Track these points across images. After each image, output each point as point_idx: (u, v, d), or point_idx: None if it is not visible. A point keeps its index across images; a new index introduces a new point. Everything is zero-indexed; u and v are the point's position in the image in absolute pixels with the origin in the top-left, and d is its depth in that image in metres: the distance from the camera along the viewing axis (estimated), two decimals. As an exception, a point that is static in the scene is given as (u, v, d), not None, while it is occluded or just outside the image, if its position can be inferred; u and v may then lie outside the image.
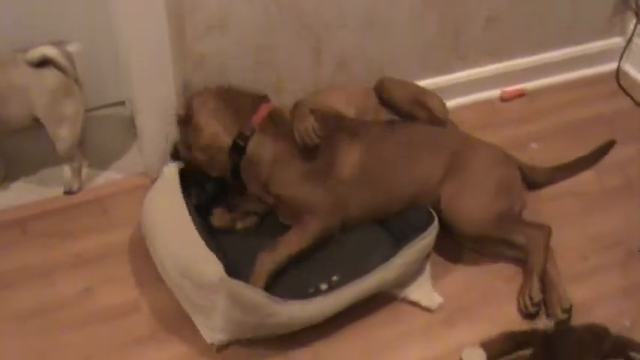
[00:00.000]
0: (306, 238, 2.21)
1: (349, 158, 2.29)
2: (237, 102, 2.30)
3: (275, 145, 2.26)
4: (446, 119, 2.57)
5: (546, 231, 2.36)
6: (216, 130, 2.25)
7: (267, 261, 2.15)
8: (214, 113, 2.26)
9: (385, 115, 2.56)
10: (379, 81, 2.60)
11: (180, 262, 2.12)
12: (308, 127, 2.22)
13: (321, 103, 2.41)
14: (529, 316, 2.25)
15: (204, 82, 2.48)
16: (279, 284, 2.15)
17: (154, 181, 2.42)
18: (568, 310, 2.22)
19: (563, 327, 2.15)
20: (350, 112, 2.49)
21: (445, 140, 2.43)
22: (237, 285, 2.00)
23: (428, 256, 2.34)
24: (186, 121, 2.28)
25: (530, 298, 2.24)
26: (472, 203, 2.32)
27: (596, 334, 2.07)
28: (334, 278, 2.17)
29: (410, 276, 2.29)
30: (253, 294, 2.02)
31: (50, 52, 2.35)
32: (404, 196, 2.33)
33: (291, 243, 2.20)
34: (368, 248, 2.26)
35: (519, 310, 2.27)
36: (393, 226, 2.33)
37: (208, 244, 2.11)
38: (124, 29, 2.34)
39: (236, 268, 2.08)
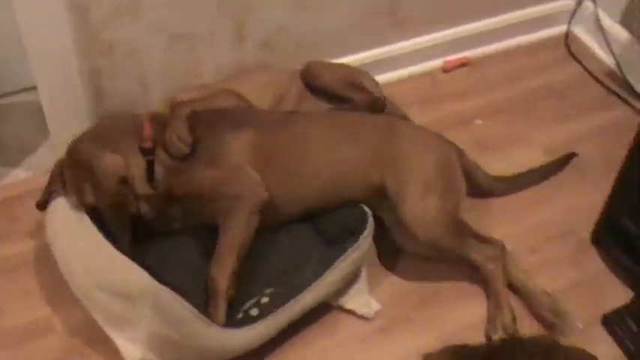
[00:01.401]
0: (242, 225, 2.00)
1: (235, 146, 2.09)
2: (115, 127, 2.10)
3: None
4: (383, 98, 2.41)
5: (502, 251, 2.19)
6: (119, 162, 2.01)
7: (221, 280, 1.95)
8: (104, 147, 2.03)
9: (311, 101, 2.39)
10: (306, 66, 2.43)
11: (95, 274, 1.93)
12: (173, 137, 2.04)
13: (208, 96, 2.23)
14: None
15: (115, 68, 2.34)
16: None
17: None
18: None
19: (511, 341, 2.00)
20: (266, 98, 2.33)
21: (369, 126, 2.23)
22: (166, 293, 1.83)
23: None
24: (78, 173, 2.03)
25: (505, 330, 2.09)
26: (422, 203, 2.12)
27: (546, 346, 1.93)
28: (264, 300, 1.99)
29: (346, 284, 2.13)
30: (182, 307, 1.85)
31: None
32: (324, 189, 2.13)
33: (232, 241, 1.99)
34: (300, 259, 2.09)
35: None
36: (326, 228, 2.15)
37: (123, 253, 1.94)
38: (19, 11, 2.10)
39: (157, 277, 1.91)
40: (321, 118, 2.24)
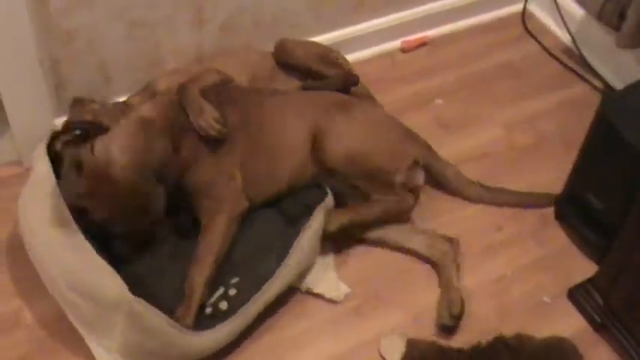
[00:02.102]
0: (222, 232, 2.00)
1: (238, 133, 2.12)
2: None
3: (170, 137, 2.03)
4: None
5: (455, 246, 2.20)
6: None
7: (199, 282, 1.94)
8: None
9: (282, 79, 2.40)
10: (279, 43, 2.44)
11: (69, 274, 1.89)
12: (209, 120, 2.03)
13: (199, 72, 2.21)
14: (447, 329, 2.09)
15: (75, 57, 2.31)
16: (165, 299, 1.93)
17: (29, 170, 2.16)
18: (456, 317, 2.07)
19: (496, 342, 2.00)
20: (241, 78, 2.32)
21: (321, 101, 2.25)
22: (142, 305, 1.79)
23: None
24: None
25: (450, 312, 2.07)
26: (344, 136, 2.14)
27: (529, 345, 1.99)
28: (231, 292, 1.97)
29: (309, 262, 2.13)
30: (157, 318, 1.81)
31: None
32: (286, 166, 2.15)
33: (212, 247, 1.98)
34: (264, 244, 2.08)
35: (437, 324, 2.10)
36: (288, 208, 2.14)
37: (101, 254, 1.88)
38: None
39: (135, 281, 1.88)
40: (292, 98, 2.26)
